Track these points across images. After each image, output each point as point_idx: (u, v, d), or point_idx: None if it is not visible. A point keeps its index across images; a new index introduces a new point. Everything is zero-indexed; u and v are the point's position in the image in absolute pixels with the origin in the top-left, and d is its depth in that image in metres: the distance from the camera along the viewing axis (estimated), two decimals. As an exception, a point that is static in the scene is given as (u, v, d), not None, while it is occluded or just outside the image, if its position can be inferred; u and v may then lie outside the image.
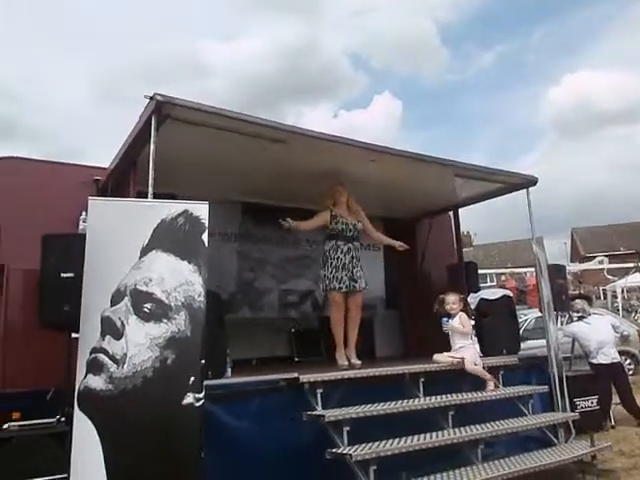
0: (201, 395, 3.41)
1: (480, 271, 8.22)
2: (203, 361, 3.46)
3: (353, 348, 5.33)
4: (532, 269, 8.18)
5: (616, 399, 6.71)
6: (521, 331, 8.12)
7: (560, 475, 4.70)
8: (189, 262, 3.56)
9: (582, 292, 12.71)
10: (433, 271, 7.45)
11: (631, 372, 9.99)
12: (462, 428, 4.42)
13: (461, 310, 5.28)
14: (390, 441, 3.98)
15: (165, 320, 3.46)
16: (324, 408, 4.12)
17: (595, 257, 26.00)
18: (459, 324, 5.17)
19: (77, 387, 3.40)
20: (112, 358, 3.41)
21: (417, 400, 4.54)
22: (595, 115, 73.33)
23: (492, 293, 6.56)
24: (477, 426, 4.48)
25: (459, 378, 4.96)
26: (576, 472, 4.85)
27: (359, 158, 5.11)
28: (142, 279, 3.49)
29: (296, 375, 4.19)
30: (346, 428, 3.92)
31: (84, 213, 4.46)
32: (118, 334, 3.42)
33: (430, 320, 5.61)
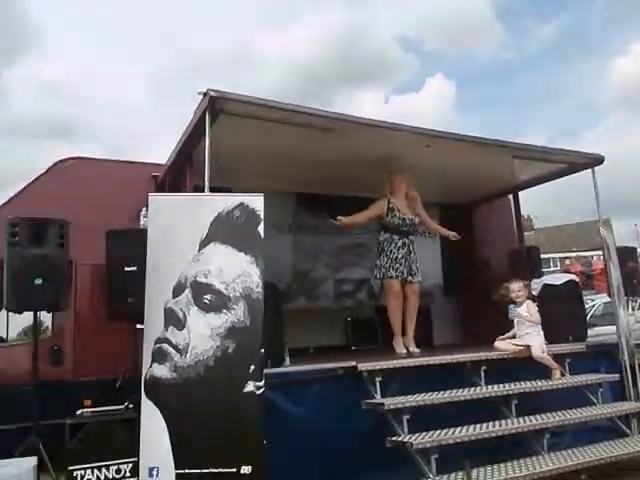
0: (261, 383, 3.48)
1: (543, 256, 7.94)
2: (262, 350, 3.53)
3: (411, 336, 5.28)
4: (599, 252, 7.83)
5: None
6: (588, 317, 7.81)
7: (634, 467, 4.49)
8: (246, 254, 3.62)
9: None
10: (493, 257, 7.27)
11: None
12: (526, 417, 4.30)
13: (527, 297, 5.13)
14: (452, 430, 3.93)
15: (225, 310, 3.54)
16: (383, 396, 4.11)
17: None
18: (526, 312, 5.02)
19: (143, 376, 3.54)
20: (176, 348, 3.52)
21: (479, 389, 4.45)
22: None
23: (556, 278, 6.31)
24: (542, 415, 4.34)
25: (522, 366, 4.82)
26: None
27: (413, 143, 5.02)
28: (201, 271, 3.58)
29: (354, 364, 4.19)
30: (406, 416, 3.90)
31: (144, 209, 4.62)
32: (180, 325, 3.54)
33: (489, 307, 5.48)
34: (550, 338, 5.49)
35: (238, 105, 4.03)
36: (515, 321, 5.08)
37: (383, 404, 3.91)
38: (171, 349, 3.53)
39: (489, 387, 4.47)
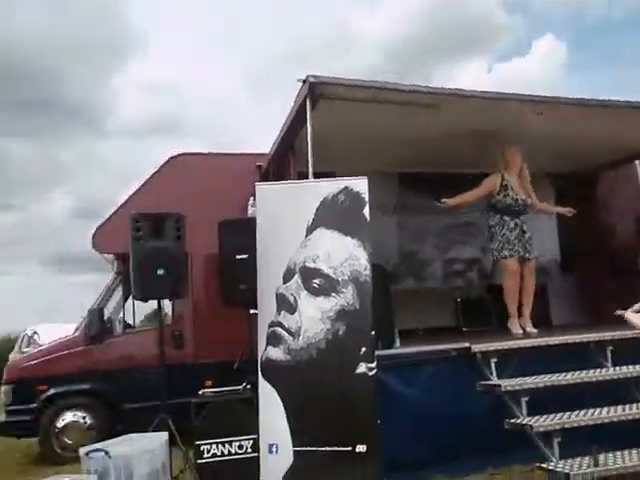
0: (373, 365, 3.51)
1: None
2: (373, 332, 3.54)
3: (528, 316, 5.05)
4: None
5: None
6: None
7: None
8: (352, 237, 3.64)
9: None
10: (618, 226, 6.73)
11: None
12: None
13: None
14: (575, 412, 3.73)
15: (334, 294, 3.60)
16: (499, 378, 3.99)
17: None
18: None
19: (259, 358, 3.70)
20: (288, 331, 3.65)
21: (604, 370, 4.17)
22: None
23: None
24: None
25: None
26: None
27: (522, 112, 4.73)
28: (310, 256, 3.66)
29: (467, 345, 4.10)
30: (524, 398, 3.76)
31: (252, 198, 4.78)
32: (292, 309, 3.65)
33: (614, 282, 5.08)
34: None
35: (338, 89, 4.03)
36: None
37: (500, 385, 3.81)
38: (284, 332, 3.65)
39: (617, 368, 4.17)
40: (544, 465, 3.43)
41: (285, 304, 3.67)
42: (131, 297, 5.52)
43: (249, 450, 3.83)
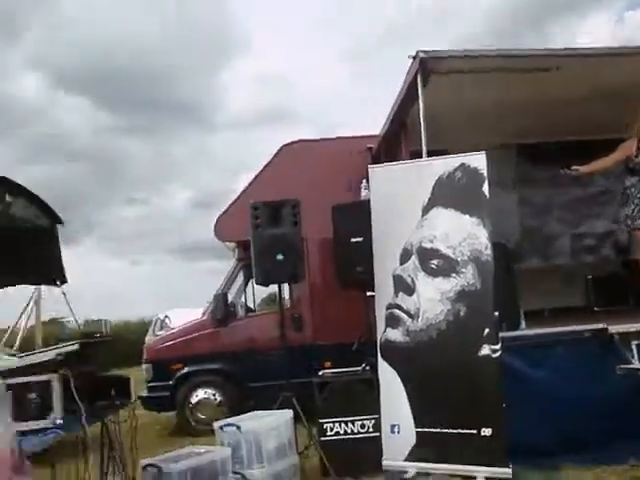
0: (497, 347, 3.38)
1: None
2: (496, 313, 3.40)
3: (673, 294, 4.58)
4: None
5: None
6: None
7: None
8: (471, 216, 3.52)
9: None
10: None
11: None
12: None
13: None
14: None
15: (453, 274, 3.51)
16: (640, 361, 3.67)
17: None
18: None
19: (378, 339, 3.71)
20: (407, 313, 3.62)
21: None
22: None
23: None
24: None
25: None
26: None
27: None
28: (426, 236, 3.59)
29: (604, 326, 3.83)
30: (673, 385, 3.43)
31: (364, 181, 4.76)
32: (410, 290, 3.61)
33: None
34: None
35: (450, 62, 3.90)
36: None
37: (643, 370, 3.50)
38: (403, 314, 3.63)
39: None
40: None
41: (402, 285, 3.64)
42: (251, 282, 5.76)
43: (371, 430, 3.89)
